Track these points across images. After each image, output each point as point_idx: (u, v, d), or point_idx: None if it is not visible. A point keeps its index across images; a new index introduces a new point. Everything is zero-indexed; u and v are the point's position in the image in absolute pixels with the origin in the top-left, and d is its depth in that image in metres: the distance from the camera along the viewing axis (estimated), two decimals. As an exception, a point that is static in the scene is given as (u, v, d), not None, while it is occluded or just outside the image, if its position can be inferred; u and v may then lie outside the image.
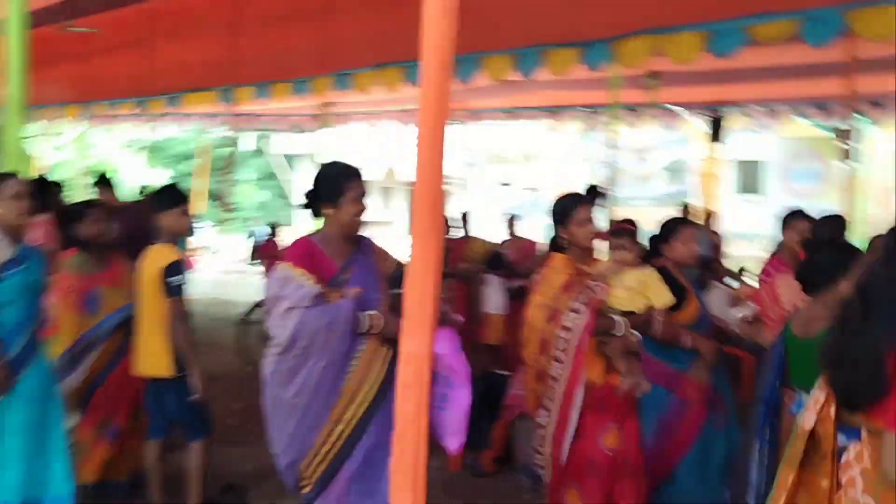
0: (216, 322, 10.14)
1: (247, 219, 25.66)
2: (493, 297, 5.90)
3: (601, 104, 9.81)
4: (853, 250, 2.92)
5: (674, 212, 6.85)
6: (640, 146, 11.34)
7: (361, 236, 3.20)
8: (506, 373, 4.93)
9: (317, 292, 2.92)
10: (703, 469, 3.59)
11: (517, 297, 5.78)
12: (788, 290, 3.42)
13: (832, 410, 2.08)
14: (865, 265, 1.93)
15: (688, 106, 9.83)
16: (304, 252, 3.04)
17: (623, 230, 3.70)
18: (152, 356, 4.16)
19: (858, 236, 10.15)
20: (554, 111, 10.69)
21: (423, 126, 1.70)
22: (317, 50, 7.25)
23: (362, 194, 3.10)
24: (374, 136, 16.57)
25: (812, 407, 2.14)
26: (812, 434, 2.12)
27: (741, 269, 6.05)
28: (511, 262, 6.30)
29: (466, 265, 6.37)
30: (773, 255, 4.74)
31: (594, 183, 7.70)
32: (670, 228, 3.84)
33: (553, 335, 3.29)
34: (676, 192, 12.97)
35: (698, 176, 11.61)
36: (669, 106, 9.71)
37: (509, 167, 20.71)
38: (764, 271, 4.47)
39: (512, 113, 11.10)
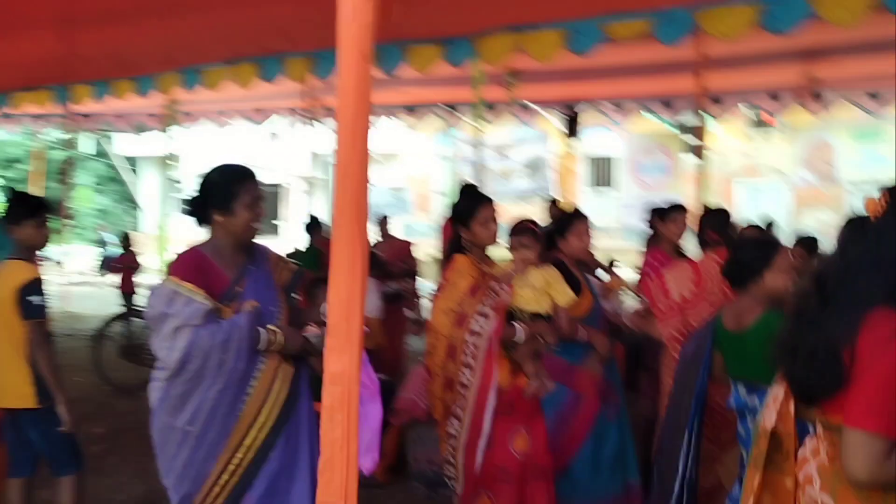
0: (67, 339, 9.41)
1: (88, 227, 24.16)
2: (369, 299, 5.74)
3: (462, 101, 9.89)
4: (776, 245, 3.05)
5: (535, 207, 6.98)
6: (500, 143, 11.56)
7: (255, 244, 2.96)
8: (385, 377, 4.81)
9: (208, 308, 2.67)
10: (597, 460, 3.62)
11: (393, 300, 5.68)
12: (677, 282, 3.51)
13: (792, 407, 2.05)
14: (821, 257, 1.95)
15: (544, 103, 10.05)
16: (193, 264, 2.77)
17: (525, 228, 3.66)
18: (12, 386, 3.74)
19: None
20: (415, 109, 10.66)
21: (342, 124, 1.56)
22: (163, 46, 6.84)
23: (257, 198, 2.88)
24: (226, 137, 15.98)
25: (772, 404, 2.10)
26: (773, 432, 2.08)
27: (611, 262, 6.22)
28: (385, 262, 6.19)
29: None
30: (653, 247, 4.89)
31: (464, 181, 7.76)
32: (566, 223, 3.85)
33: (461, 340, 3.21)
34: (536, 188, 13.33)
35: (555, 171, 11.95)
36: (527, 103, 9.91)
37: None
38: (646, 263, 4.59)
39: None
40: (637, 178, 11.24)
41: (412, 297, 6.66)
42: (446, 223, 6.66)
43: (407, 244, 7.12)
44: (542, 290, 3.50)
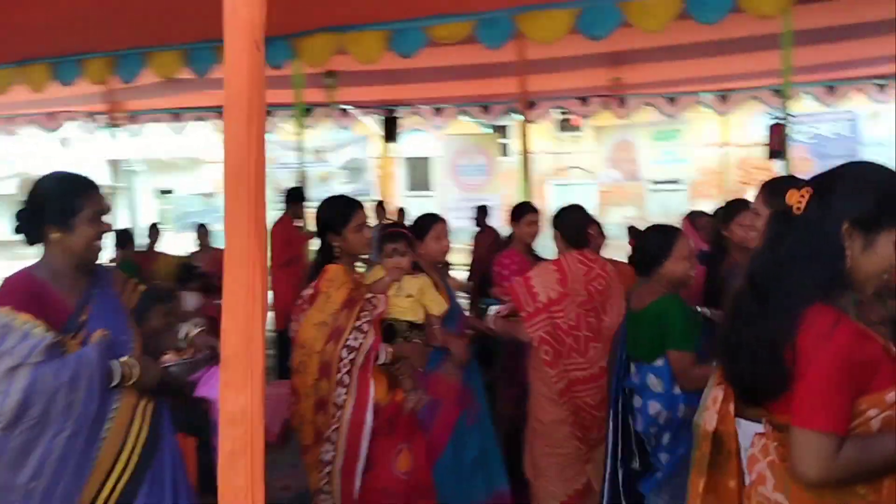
0: None
1: None
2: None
3: (279, 104, 9.57)
4: (676, 234, 3.15)
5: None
6: (318, 146, 11.29)
7: (97, 265, 2.56)
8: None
9: (50, 342, 2.26)
10: (458, 467, 3.52)
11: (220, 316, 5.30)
12: (543, 283, 3.48)
13: (731, 407, 2.01)
14: (751, 252, 1.90)
15: (362, 105, 9.95)
16: (26, 290, 2.33)
17: (398, 234, 3.48)
18: None
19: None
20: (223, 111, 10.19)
21: (232, 125, 1.34)
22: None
23: (101, 212, 2.48)
24: (6, 144, 14.57)
25: (711, 406, 2.04)
26: (714, 434, 2.03)
27: (445, 264, 6.21)
28: (208, 275, 5.79)
29: (158, 283, 5.75)
30: (507, 247, 4.90)
31: (292, 185, 7.49)
32: (423, 226, 3.72)
33: (336, 357, 2.98)
34: (356, 191, 13.15)
35: (374, 174, 11.89)
36: (344, 106, 9.76)
37: (173, 173, 19.45)
38: (499, 264, 4.56)
39: (177, 114, 10.41)
40: (456, 180, 11.42)
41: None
42: (276, 227, 6.37)
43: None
44: (416, 299, 3.37)
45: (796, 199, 1.73)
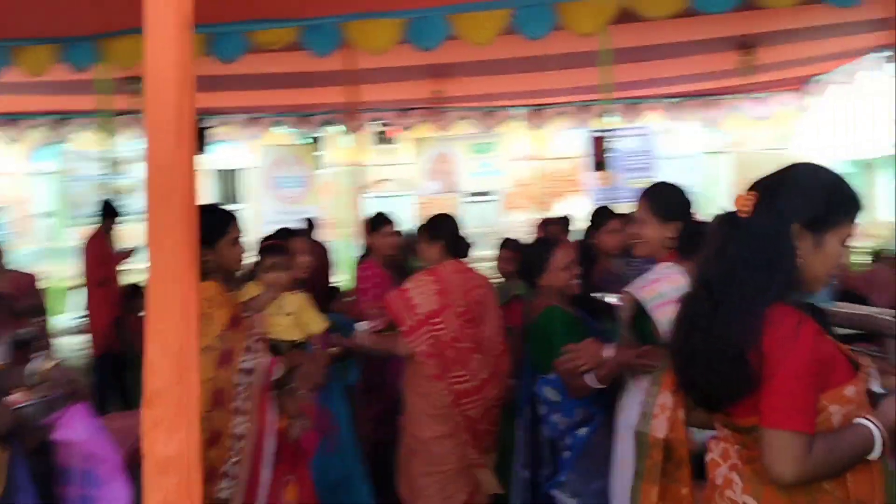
0: None
1: None
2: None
3: (76, 111, 8.81)
4: (552, 246, 3.17)
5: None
6: (116, 157, 10.39)
7: None
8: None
9: None
10: (319, 495, 3.31)
11: (23, 346, 4.69)
12: (422, 295, 3.34)
13: (681, 414, 1.99)
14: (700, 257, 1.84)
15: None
16: None
17: (279, 247, 3.20)
18: None
19: (339, 237, 10.98)
20: (14, 119, 9.23)
21: (157, 120, 1.11)
22: None
23: None
24: None
25: (661, 413, 2.01)
26: (665, 442, 1.99)
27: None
28: (4, 297, 5.12)
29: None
30: (364, 259, 4.73)
31: (105, 198, 6.90)
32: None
33: (229, 382, 2.65)
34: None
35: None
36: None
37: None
38: (362, 278, 4.38)
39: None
40: (272, 192, 11.00)
41: (44, 337, 5.66)
42: (90, 243, 5.80)
43: (31, 277, 6.04)
44: (296, 317, 3.14)
45: (742, 203, 1.76)
